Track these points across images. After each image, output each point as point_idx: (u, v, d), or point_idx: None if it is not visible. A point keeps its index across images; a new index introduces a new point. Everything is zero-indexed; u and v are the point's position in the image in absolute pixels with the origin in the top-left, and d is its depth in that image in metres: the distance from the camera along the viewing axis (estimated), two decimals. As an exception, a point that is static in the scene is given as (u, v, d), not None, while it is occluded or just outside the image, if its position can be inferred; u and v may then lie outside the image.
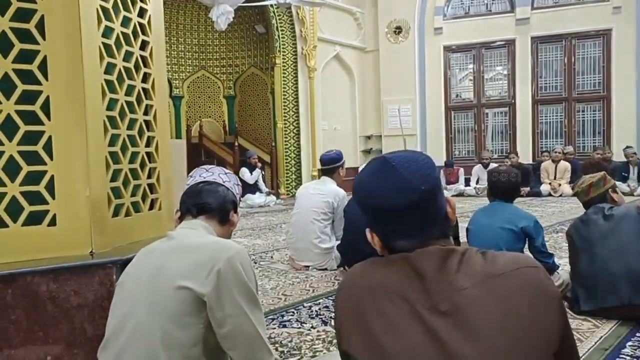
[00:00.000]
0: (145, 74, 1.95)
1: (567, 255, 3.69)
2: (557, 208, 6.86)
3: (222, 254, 1.21)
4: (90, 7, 1.66)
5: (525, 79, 9.77)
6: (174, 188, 2.05)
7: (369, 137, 10.87)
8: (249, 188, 8.29)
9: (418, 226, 0.89)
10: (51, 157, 1.56)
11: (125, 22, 1.85)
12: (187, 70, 10.14)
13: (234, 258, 1.22)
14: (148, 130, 1.95)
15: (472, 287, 0.81)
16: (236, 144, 9.05)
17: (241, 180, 8.36)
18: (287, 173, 9.49)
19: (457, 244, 3.06)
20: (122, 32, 1.82)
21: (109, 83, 1.73)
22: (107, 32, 1.75)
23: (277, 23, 9.21)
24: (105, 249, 1.64)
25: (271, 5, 8.49)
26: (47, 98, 1.56)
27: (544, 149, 9.33)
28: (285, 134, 9.43)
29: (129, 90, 1.84)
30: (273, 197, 8.58)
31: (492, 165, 8.99)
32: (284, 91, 9.35)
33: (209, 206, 1.41)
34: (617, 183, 7.85)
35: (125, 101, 1.81)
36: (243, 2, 7.38)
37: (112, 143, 1.73)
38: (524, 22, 9.57)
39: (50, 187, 1.57)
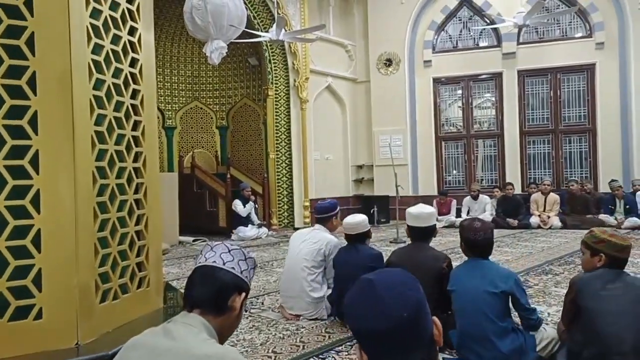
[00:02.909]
0: (136, 153, 1.99)
1: (556, 302, 3.75)
2: (547, 243, 6.91)
3: None
4: (83, 60, 1.68)
5: (512, 111, 9.95)
6: (162, 262, 2.06)
7: (360, 167, 10.96)
8: (241, 220, 8.29)
9: (401, 351, 0.91)
10: (39, 250, 1.58)
11: (117, 72, 1.89)
12: (180, 101, 10.22)
13: None
14: (138, 209, 1.97)
15: None
16: (228, 175, 9.07)
17: (233, 213, 8.38)
18: (280, 204, 9.51)
19: (448, 307, 2.96)
20: (113, 83, 1.85)
21: (99, 169, 1.76)
22: (99, 84, 1.78)
23: (269, 56, 9.34)
24: (91, 337, 1.65)
25: (264, 40, 8.61)
26: (37, 191, 1.59)
27: (532, 180, 9.45)
28: (277, 165, 9.48)
29: (120, 173, 1.87)
30: (265, 229, 8.57)
31: (482, 197, 9.09)
32: (276, 122, 9.43)
33: (200, 300, 1.35)
34: (604, 216, 8.09)
35: (116, 184, 1.84)
36: (236, 38, 7.51)
37: (101, 228, 1.76)
38: (510, 56, 9.79)
39: (37, 281, 1.58)
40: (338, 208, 3.82)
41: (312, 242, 3.68)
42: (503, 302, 2.60)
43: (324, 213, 3.76)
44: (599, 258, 2.46)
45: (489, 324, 2.49)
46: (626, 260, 2.42)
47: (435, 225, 3.20)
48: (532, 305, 2.78)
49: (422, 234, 3.06)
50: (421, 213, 3.11)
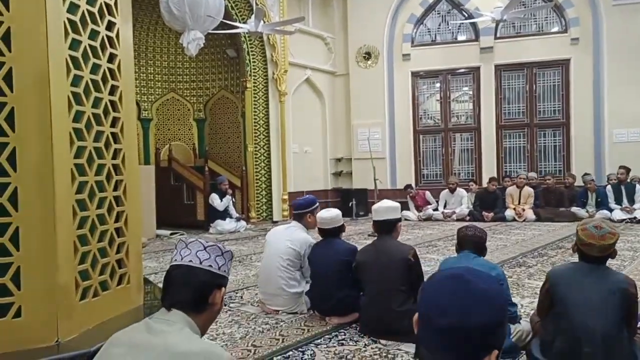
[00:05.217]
0: (115, 149, 1.97)
1: (530, 294, 3.86)
2: (521, 235, 7.09)
3: None
4: (60, 56, 1.64)
5: (489, 105, 10.11)
6: (142, 259, 2.05)
7: (339, 160, 11.00)
8: (219, 214, 8.25)
9: (474, 353, 0.84)
10: (17, 248, 1.56)
11: (95, 69, 1.85)
12: (157, 92, 10.05)
13: None
14: (117, 206, 1.95)
15: None
16: (206, 167, 8.99)
17: (211, 206, 8.32)
18: (258, 197, 9.49)
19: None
20: (91, 80, 1.82)
21: (78, 166, 1.74)
22: (76, 80, 1.76)
23: (248, 48, 9.26)
24: (71, 335, 1.64)
25: (243, 32, 8.53)
26: (15, 189, 1.56)
27: (507, 174, 9.65)
28: (255, 158, 9.44)
29: (99, 170, 1.85)
30: (243, 223, 8.54)
31: (459, 190, 9.24)
32: (254, 115, 9.38)
33: (180, 302, 1.35)
34: (577, 209, 8.33)
35: (95, 181, 1.82)
36: (214, 29, 7.41)
37: (80, 225, 1.74)
38: (487, 50, 9.93)
39: (15, 279, 1.56)
40: (316, 204, 3.83)
41: (288, 241, 3.68)
42: None
43: (301, 209, 3.77)
44: (574, 247, 2.54)
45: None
46: (595, 257, 2.36)
47: (400, 218, 3.30)
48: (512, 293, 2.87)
49: (386, 227, 3.18)
50: (384, 207, 3.22)
